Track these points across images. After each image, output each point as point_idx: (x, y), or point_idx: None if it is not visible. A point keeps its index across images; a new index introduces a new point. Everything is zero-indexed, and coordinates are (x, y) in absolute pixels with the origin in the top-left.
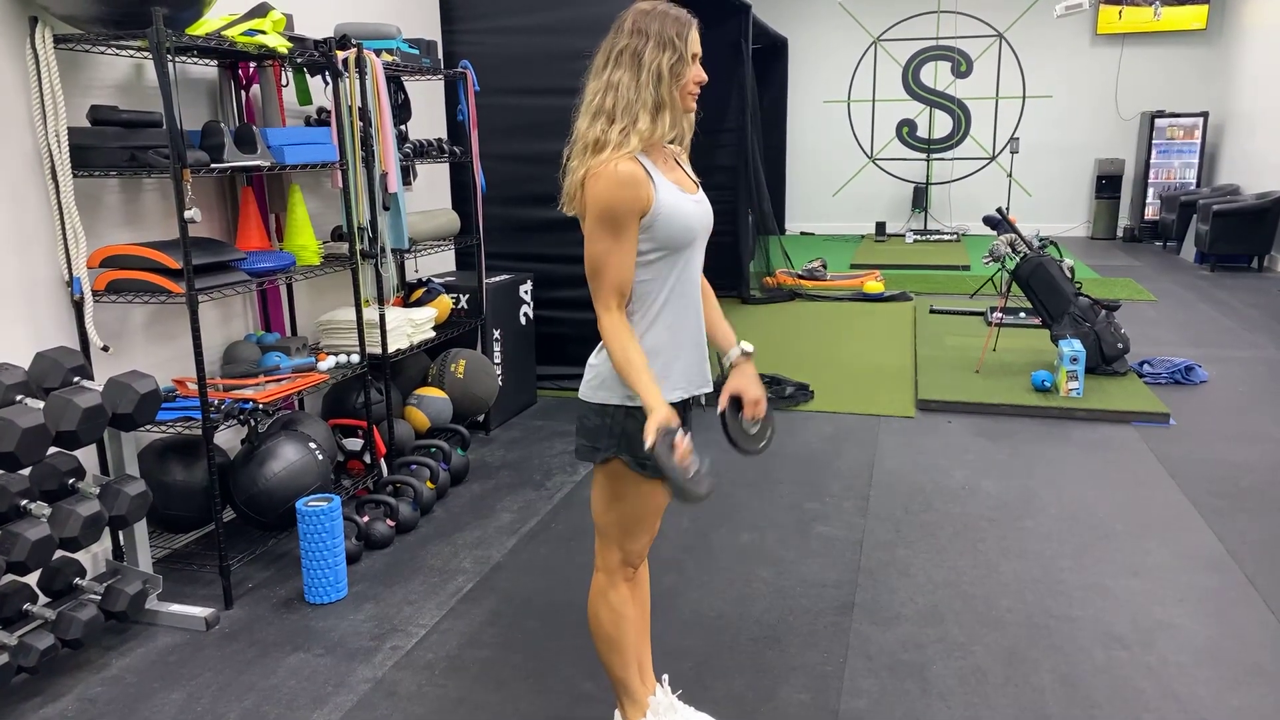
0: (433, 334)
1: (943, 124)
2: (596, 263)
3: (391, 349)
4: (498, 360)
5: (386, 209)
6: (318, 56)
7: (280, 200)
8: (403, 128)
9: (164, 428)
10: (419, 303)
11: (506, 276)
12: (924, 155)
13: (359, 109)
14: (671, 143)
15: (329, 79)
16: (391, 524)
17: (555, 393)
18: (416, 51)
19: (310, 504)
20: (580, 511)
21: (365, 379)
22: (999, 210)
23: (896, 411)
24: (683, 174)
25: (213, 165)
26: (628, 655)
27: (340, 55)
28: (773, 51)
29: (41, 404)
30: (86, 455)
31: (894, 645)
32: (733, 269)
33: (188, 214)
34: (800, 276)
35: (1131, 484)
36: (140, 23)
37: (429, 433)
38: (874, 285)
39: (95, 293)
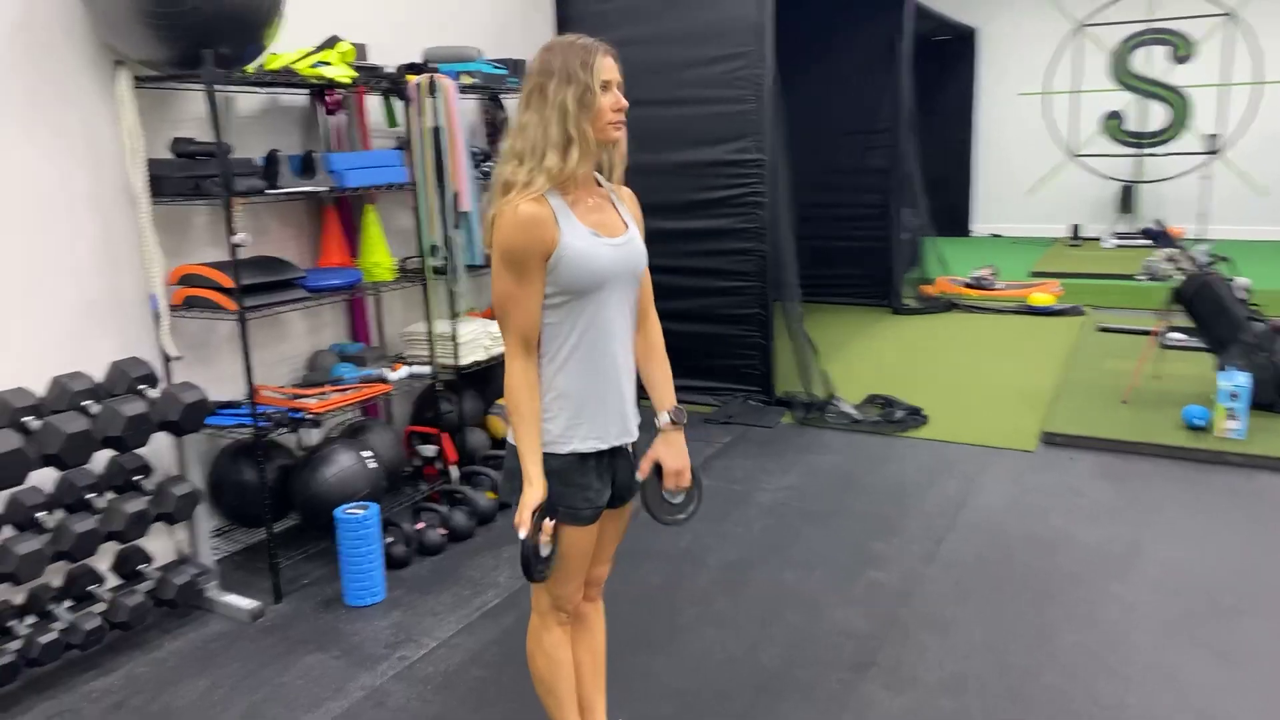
0: None
1: (1158, 116)
2: (500, 305)
3: (467, 360)
4: None
5: (458, 227)
6: (386, 84)
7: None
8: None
9: (223, 431)
10: None
11: None
12: (1134, 150)
13: (432, 131)
14: (600, 172)
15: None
16: (444, 532)
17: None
18: (503, 71)
19: (349, 511)
20: (634, 534)
21: (435, 389)
22: (1156, 222)
23: (1015, 444)
24: (613, 215)
25: (267, 191)
26: (563, 699)
27: (414, 80)
28: (959, 43)
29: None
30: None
31: (898, 713)
32: (882, 277)
33: (236, 238)
34: (967, 285)
35: (1267, 549)
36: (201, 63)
37: (503, 443)
38: (1041, 297)
39: (173, 308)
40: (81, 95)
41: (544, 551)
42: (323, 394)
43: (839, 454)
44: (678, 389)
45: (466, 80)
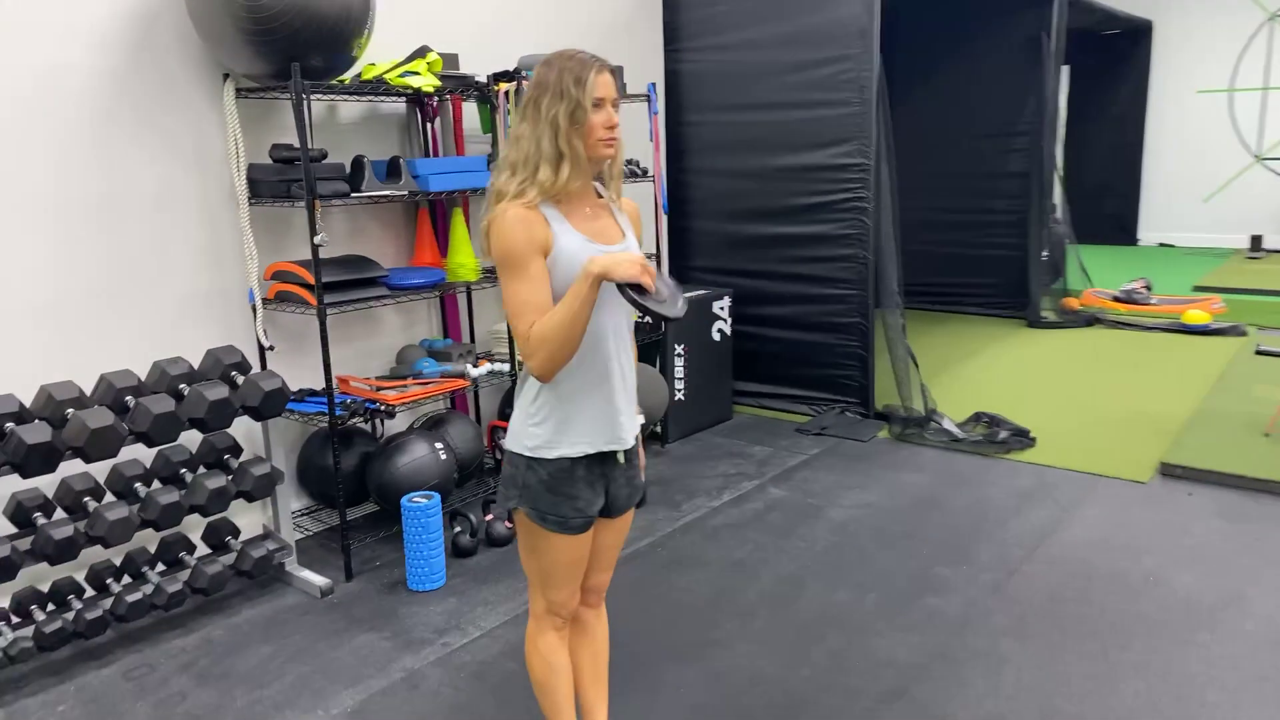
0: None
1: None
2: (514, 310)
3: None
4: (680, 375)
5: None
6: (474, 91)
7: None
8: None
9: (302, 417)
10: None
11: (701, 292)
12: None
13: None
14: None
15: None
16: (510, 524)
17: (754, 410)
18: None
19: (414, 499)
20: (693, 540)
21: (513, 385)
22: None
23: (1127, 474)
24: (609, 223)
25: (351, 195)
26: (559, 701)
27: (504, 88)
28: (1131, 37)
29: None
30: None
31: None
32: (1018, 287)
33: (317, 238)
34: (1115, 299)
35: None
36: (300, 74)
37: None
38: (1196, 315)
39: (267, 301)
40: (192, 105)
41: (664, 294)
42: (403, 386)
43: (930, 473)
44: (773, 397)
45: None
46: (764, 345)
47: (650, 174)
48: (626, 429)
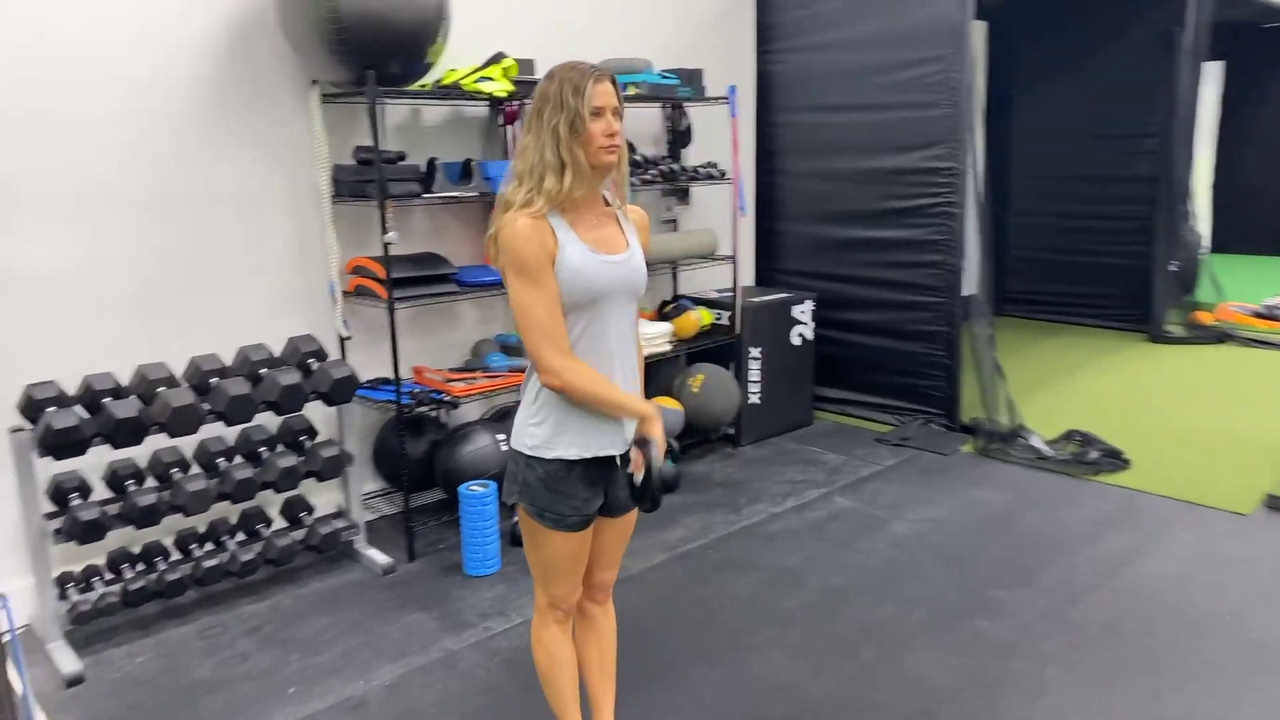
0: (667, 347)
1: None
2: (523, 313)
3: None
4: (755, 379)
5: None
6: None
7: None
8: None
9: (376, 404)
10: (666, 317)
11: (781, 295)
12: None
13: None
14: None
15: None
16: None
17: (835, 417)
18: (673, 80)
19: (471, 488)
20: (747, 544)
21: None
22: None
23: (1226, 504)
24: (615, 232)
25: (422, 195)
26: (562, 692)
27: None
28: None
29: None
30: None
31: None
32: (1139, 298)
33: (387, 236)
34: (1256, 315)
35: None
36: (379, 80)
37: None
38: None
39: (346, 294)
40: (282, 110)
41: (637, 480)
42: (471, 378)
43: (1009, 491)
44: (856, 404)
45: (632, 91)
46: (847, 351)
47: (728, 176)
48: (626, 433)
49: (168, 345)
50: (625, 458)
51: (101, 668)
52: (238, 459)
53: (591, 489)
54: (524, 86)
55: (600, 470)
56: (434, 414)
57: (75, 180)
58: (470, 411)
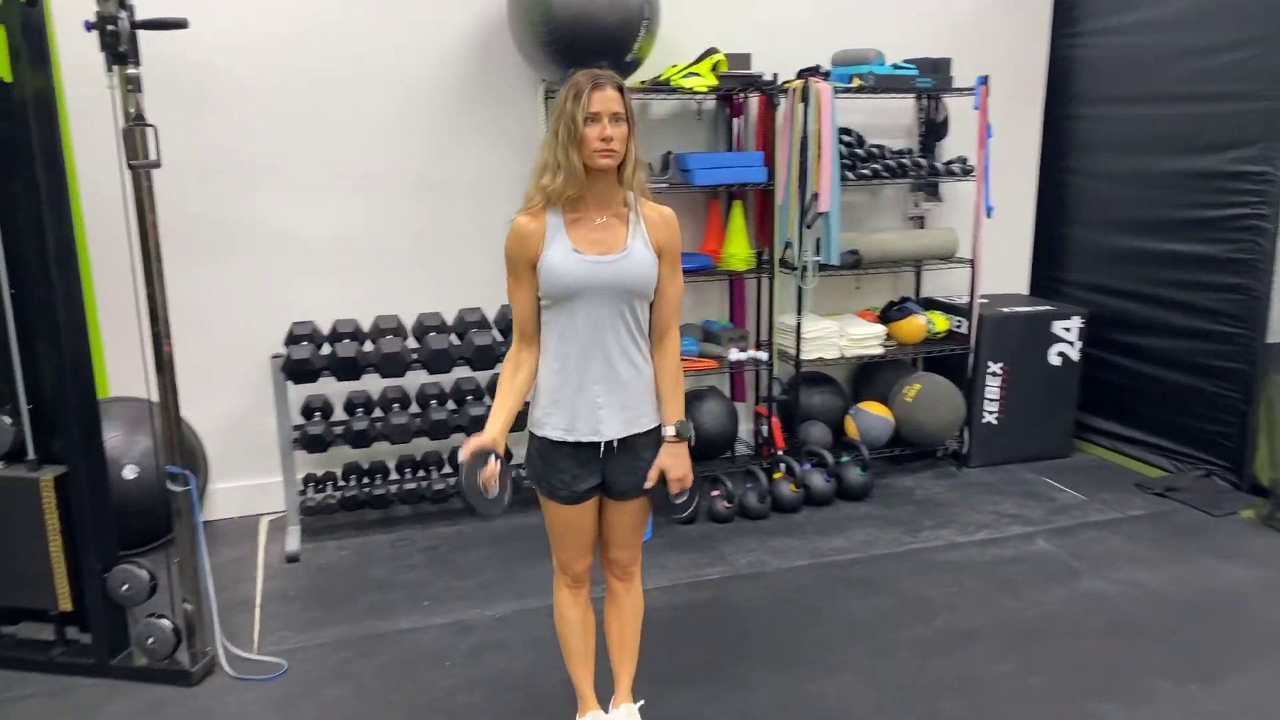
0: (879, 350)
1: None
2: (509, 301)
3: (810, 355)
4: (993, 396)
5: (808, 227)
6: (755, 90)
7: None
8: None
9: None
10: (888, 319)
11: (1040, 307)
12: None
13: (800, 133)
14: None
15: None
16: (728, 505)
17: (1101, 451)
18: (910, 70)
19: None
20: (898, 568)
21: (771, 376)
22: None
23: None
24: (615, 234)
25: None
26: (571, 653)
27: (793, 85)
28: None
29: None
30: None
31: None
32: None
33: None
34: None
35: None
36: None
37: (842, 445)
38: None
39: None
40: (517, 108)
41: (490, 494)
42: None
43: (1266, 570)
44: (1127, 441)
45: (856, 82)
46: (1121, 378)
47: (974, 173)
48: (606, 424)
49: (410, 300)
50: (626, 444)
51: (314, 553)
52: (446, 403)
53: (582, 468)
54: (732, 81)
55: (591, 453)
56: None
57: (351, 165)
58: None
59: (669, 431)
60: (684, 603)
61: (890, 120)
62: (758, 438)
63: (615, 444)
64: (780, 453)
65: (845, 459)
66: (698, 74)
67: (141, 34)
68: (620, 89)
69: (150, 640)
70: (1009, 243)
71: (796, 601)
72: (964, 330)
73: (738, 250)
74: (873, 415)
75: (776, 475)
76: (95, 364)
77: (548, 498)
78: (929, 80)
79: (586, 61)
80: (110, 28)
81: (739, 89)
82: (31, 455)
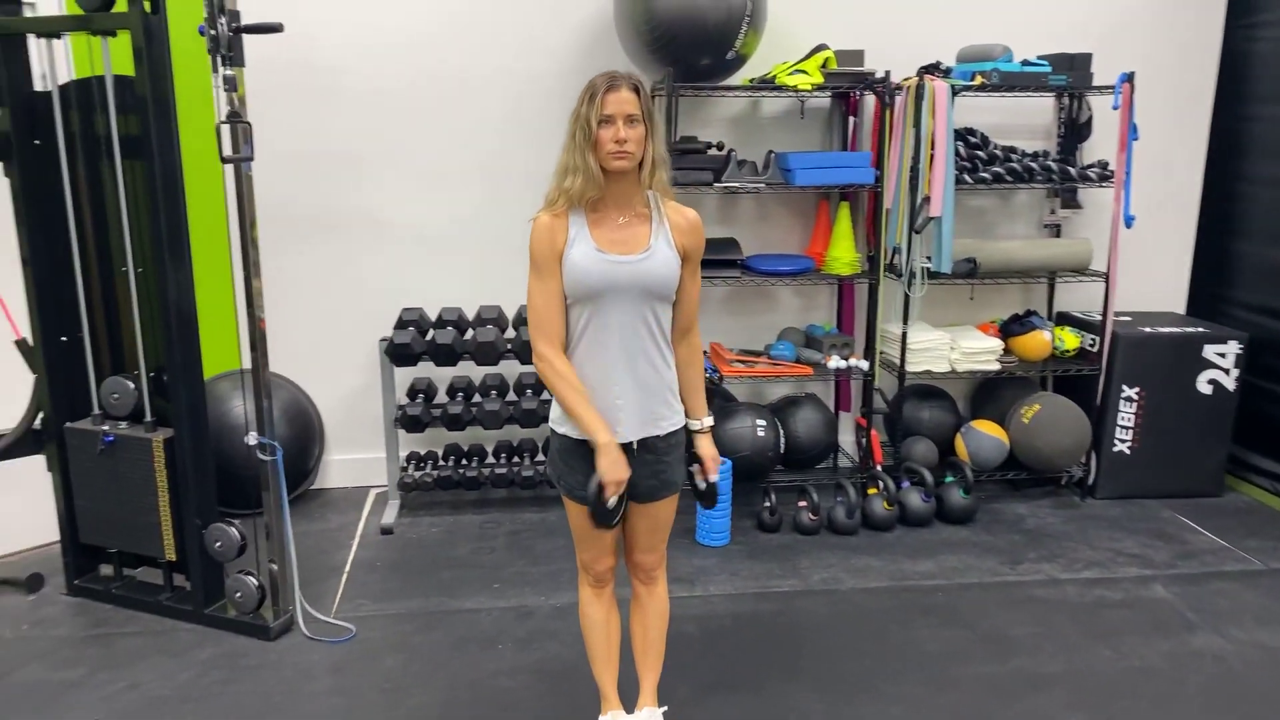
0: (995, 366)
1: None
2: (528, 301)
3: (917, 368)
4: (1125, 423)
5: (918, 231)
6: (863, 88)
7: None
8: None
9: None
10: (1010, 333)
11: (1190, 330)
12: None
13: (913, 132)
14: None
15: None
16: (814, 518)
17: (1261, 494)
18: (1043, 67)
19: None
20: (984, 600)
21: (873, 387)
22: None
23: None
24: (638, 234)
25: (714, 185)
26: (593, 651)
27: (908, 84)
28: None
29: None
30: None
31: None
32: None
33: None
34: None
35: None
36: (694, 76)
37: (948, 464)
38: None
39: None
40: None
41: (610, 504)
42: (752, 362)
43: None
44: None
45: (978, 80)
46: None
47: (1114, 178)
48: (625, 424)
49: (514, 291)
50: (648, 446)
51: (407, 527)
52: (541, 394)
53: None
54: (839, 79)
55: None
56: (713, 386)
57: (463, 160)
58: (768, 393)
59: (708, 422)
60: (746, 612)
61: (1027, 120)
62: (860, 450)
63: (635, 445)
64: (878, 468)
65: (950, 479)
66: (805, 71)
67: (281, 39)
68: (637, 89)
69: (238, 594)
70: (1162, 257)
71: (863, 624)
72: (1097, 349)
73: (843, 254)
74: (984, 435)
75: (871, 491)
76: (229, 338)
77: (567, 496)
78: (1063, 77)
79: (688, 59)
80: (212, 32)
81: (848, 87)
82: (149, 417)
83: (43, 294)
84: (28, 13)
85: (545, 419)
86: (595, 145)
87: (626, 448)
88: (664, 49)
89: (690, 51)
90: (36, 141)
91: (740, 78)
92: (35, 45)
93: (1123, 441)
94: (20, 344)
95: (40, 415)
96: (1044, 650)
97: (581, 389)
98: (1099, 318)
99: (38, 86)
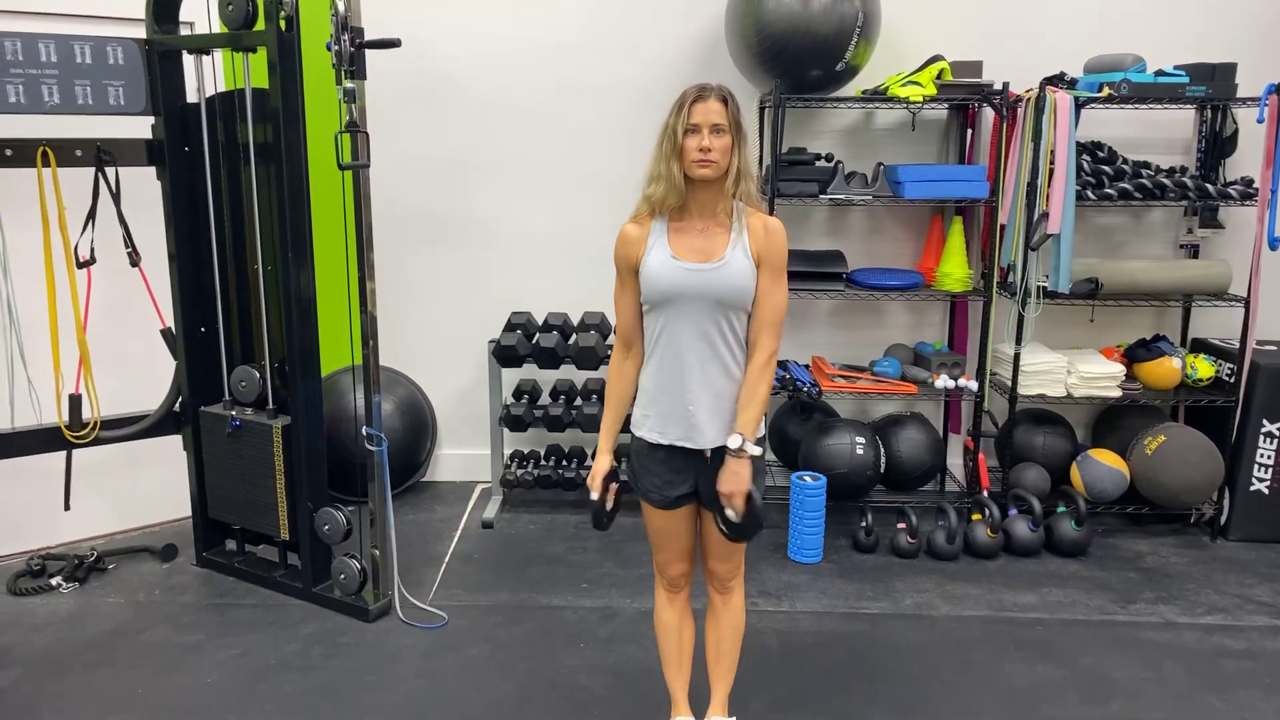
0: (1116, 392)
1: None
2: (614, 303)
3: (1030, 390)
4: (1265, 461)
5: (1033, 249)
6: (979, 99)
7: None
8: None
9: None
10: (1132, 359)
11: None
12: None
13: (1032, 146)
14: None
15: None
16: (913, 541)
17: None
18: (1179, 78)
19: (803, 478)
20: (1088, 638)
21: (979, 406)
22: None
23: None
24: (717, 242)
25: (819, 196)
26: (666, 656)
27: (1027, 95)
28: None
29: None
30: None
31: None
32: None
33: None
34: None
35: None
36: (805, 87)
37: (1061, 493)
38: None
39: None
40: None
41: (608, 507)
42: (855, 378)
43: None
44: None
45: (1105, 92)
46: None
47: (1257, 196)
48: (701, 432)
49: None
50: (719, 454)
51: (506, 523)
52: None
53: (675, 474)
54: (954, 90)
55: (686, 459)
56: (811, 401)
57: (577, 169)
58: (873, 411)
59: (737, 443)
60: (830, 630)
61: (1165, 134)
62: (967, 473)
63: (709, 454)
64: (984, 493)
65: (1062, 509)
66: (918, 83)
67: (408, 53)
68: (725, 100)
69: (343, 576)
70: (1240, 277)
71: (952, 652)
72: (1234, 379)
73: (954, 270)
74: (1102, 465)
75: (975, 517)
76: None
77: (642, 498)
78: (1202, 88)
79: (798, 71)
80: (335, 48)
81: (963, 99)
82: (271, 405)
83: (186, 288)
84: (184, 31)
85: None
86: (680, 154)
87: (702, 456)
88: (774, 60)
89: (800, 63)
90: (186, 149)
91: (853, 88)
92: (189, 60)
93: (1261, 480)
94: (166, 333)
95: (179, 399)
96: (1146, 695)
97: (621, 397)
98: (1238, 345)
99: (190, 99)
